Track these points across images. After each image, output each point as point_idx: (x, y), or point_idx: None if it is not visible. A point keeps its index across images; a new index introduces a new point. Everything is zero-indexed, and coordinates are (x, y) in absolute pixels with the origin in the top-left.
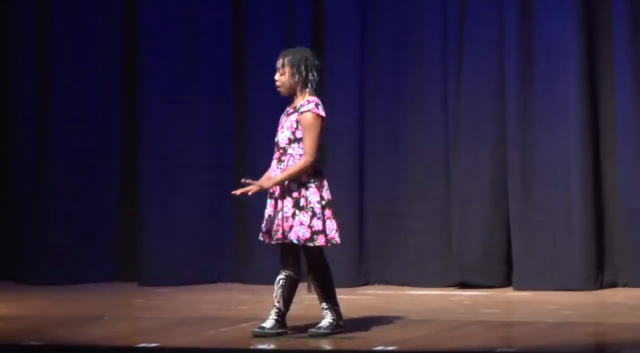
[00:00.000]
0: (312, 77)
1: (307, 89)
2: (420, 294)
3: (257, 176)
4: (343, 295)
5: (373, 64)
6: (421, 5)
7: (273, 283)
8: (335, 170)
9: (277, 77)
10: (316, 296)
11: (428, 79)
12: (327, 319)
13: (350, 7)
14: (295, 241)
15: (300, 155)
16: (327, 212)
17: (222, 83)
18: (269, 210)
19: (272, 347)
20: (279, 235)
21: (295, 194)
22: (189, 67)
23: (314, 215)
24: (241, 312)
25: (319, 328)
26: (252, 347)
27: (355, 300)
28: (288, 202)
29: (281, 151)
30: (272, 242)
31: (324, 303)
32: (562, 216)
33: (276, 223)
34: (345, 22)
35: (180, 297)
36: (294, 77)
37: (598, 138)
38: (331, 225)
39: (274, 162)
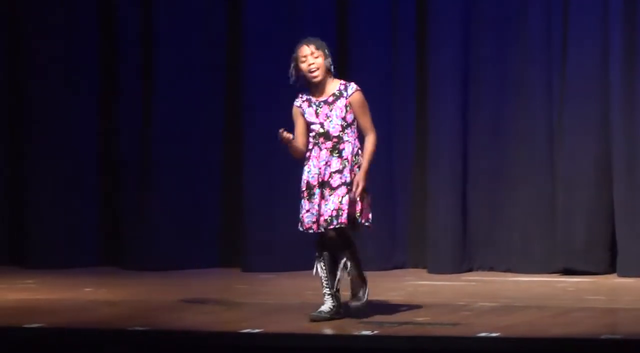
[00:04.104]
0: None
1: (332, 73)
2: (524, 281)
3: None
4: (447, 281)
5: (477, 50)
6: None
7: (376, 269)
8: (439, 156)
9: (312, 60)
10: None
11: (532, 64)
12: (328, 304)
13: None
14: (367, 224)
15: (355, 139)
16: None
17: None
18: (316, 200)
19: (376, 332)
20: (343, 219)
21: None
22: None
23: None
24: (344, 298)
25: (321, 312)
26: (356, 333)
27: (459, 286)
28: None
29: (335, 140)
30: (331, 227)
31: (329, 290)
32: None
33: (336, 208)
34: (449, 7)
35: (283, 283)
36: (326, 60)
37: None
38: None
39: (324, 152)
